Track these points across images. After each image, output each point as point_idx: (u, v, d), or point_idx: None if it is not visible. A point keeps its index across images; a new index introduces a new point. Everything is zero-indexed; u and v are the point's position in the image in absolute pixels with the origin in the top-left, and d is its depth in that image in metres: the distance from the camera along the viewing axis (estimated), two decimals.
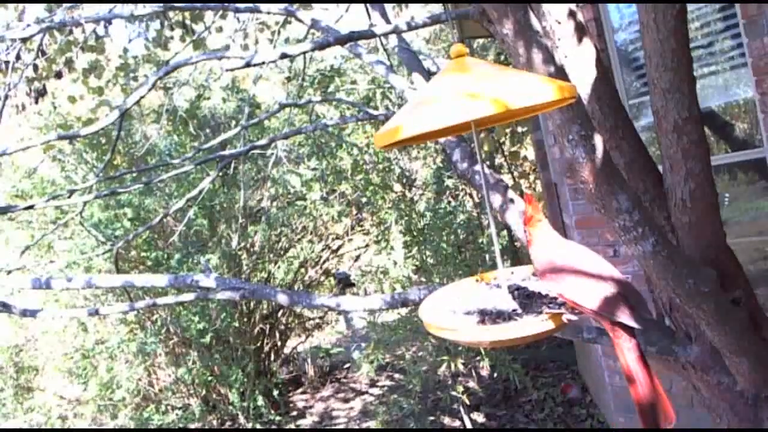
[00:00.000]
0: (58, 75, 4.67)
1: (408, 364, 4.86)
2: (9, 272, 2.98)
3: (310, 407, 5.96)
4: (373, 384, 6.16)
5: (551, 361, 5.61)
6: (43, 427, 5.31)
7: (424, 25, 1.68)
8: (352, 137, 5.79)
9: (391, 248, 5.27)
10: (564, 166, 3.67)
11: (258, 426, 5.40)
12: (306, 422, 5.59)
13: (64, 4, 3.49)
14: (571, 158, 1.30)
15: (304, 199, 5.74)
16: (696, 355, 1.63)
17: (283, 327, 6.42)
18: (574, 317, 0.94)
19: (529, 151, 7.05)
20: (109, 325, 5.42)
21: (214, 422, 5.49)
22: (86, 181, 4.42)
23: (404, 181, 6.10)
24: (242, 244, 5.61)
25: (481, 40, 7.41)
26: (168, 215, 3.22)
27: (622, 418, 3.76)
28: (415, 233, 5.27)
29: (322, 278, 6.93)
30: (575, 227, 3.68)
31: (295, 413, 5.84)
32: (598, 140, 1.28)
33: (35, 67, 4.24)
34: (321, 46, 1.59)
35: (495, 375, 5.19)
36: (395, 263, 5.17)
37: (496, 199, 1.94)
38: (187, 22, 4.56)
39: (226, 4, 2.55)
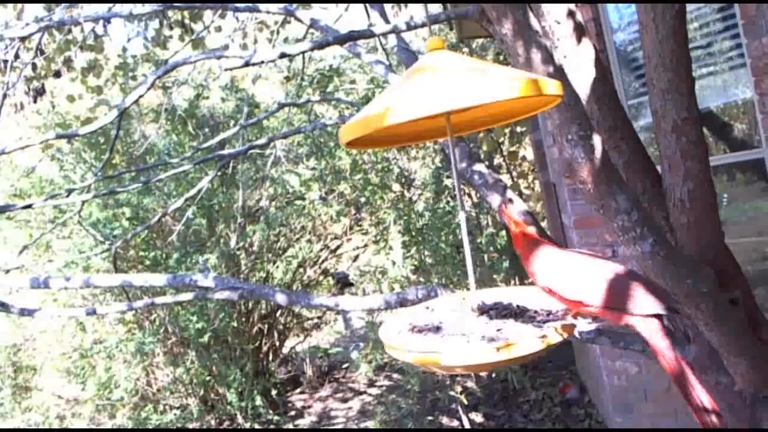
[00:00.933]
0: (57, 74, 4.67)
1: (406, 365, 4.86)
2: (7, 271, 2.98)
3: (309, 407, 5.95)
4: (371, 384, 6.16)
5: (549, 361, 5.61)
6: (41, 426, 5.31)
7: (423, 24, 1.68)
8: None
9: (390, 248, 5.27)
10: (563, 166, 3.67)
11: (256, 426, 5.39)
12: (304, 422, 5.59)
13: (63, 3, 3.49)
14: (569, 158, 1.30)
15: (302, 198, 5.74)
16: (694, 356, 1.63)
17: (281, 327, 6.42)
18: (585, 327, 0.92)
19: (527, 152, 7.06)
20: (108, 324, 5.41)
21: (213, 422, 5.49)
22: (85, 180, 4.42)
23: (403, 180, 6.11)
24: (241, 244, 5.60)
25: (480, 40, 7.41)
26: (166, 215, 3.22)
27: (620, 418, 3.77)
28: (413, 233, 5.27)
29: (321, 278, 6.93)
30: (574, 227, 3.68)
31: (293, 413, 5.83)
32: (596, 140, 1.28)
33: (34, 66, 4.24)
34: (320, 46, 1.59)
35: (493, 375, 5.19)
36: (394, 263, 5.17)
37: (495, 199, 1.94)
38: (186, 21, 4.56)
39: (225, 4, 2.55)
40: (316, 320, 7.27)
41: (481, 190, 1.98)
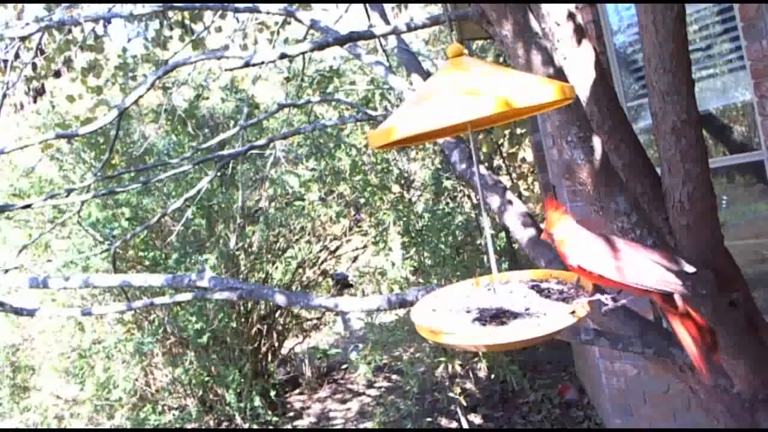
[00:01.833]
0: (57, 74, 4.66)
1: (405, 366, 4.86)
2: (6, 271, 2.97)
3: (307, 408, 5.95)
4: (370, 385, 6.16)
5: (548, 362, 5.61)
6: (40, 426, 5.30)
7: (424, 26, 1.68)
8: (351, 138, 5.79)
9: (389, 249, 5.27)
10: (562, 168, 3.67)
11: (255, 426, 5.39)
12: (303, 423, 5.59)
13: (63, 3, 3.49)
14: (569, 160, 1.30)
15: (302, 199, 5.74)
16: None
17: (280, 328, 6.41)
18: (610, 303, 0.97)
19: (527, 153, 7.07)
20: (107, 324, 5.41)
21: (211, 423, 5.48)
22: (84, 180, 4.42)
23: (402, 182, 6.11)
24: (240, 245, 5.60)
25: (480, 42, 7.42)
26: (166, 215, 3.22)
27: (618, 419, 3.77)
28: (413, 234, 5.26)
29: (320, 279, 6.93)
30: None
31: (292, 414, 5.83)
32: (596, 142, 1.29)
33: (34, 66, 4.24)
34: (320, 47, 1.59)
35: (492, 376, 5.19)
36: (393, 264, 5.17)
37: (495, 201, 1.94)
38: (187, 21, 4.56)
39: (226, 4, 2.55)
40: (315, 321, 7.27)
41: (481, 191, 1.98)
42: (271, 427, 5.44)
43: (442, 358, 4.67)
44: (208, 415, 5.48)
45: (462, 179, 2.13)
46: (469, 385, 5.30)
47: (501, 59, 6.56)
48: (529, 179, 7.39)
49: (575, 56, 1.47)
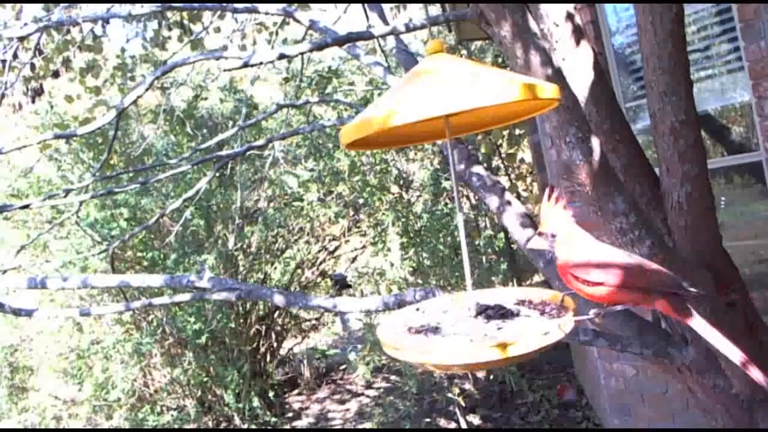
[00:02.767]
0: (55, 74, 4.66)
1: (404, 366, 4.86)
2: (4, 272, 2.97)
3: (306, 409, 5.95)
4: (369, 386, 6.16)
5: (547, 363, 5.61)
6: (38, 427, 5.29)
7: (422, 26, 1.68)
8: None
9: (388, 250, 5.26)
10: (561, 169, 3.67)
11: (253, 427, 5.38)
12: (302, 423, 5.58)
13: (62, 4, 3.48)
14: (568, 160, 1.30)
15: (301, 200, 5.73)
16: (692, 358, 1.63)
17: (279, 328, 6.41)
18: (596, 318, 0.96)
19: (526, 154, 7.07)
20: (105, 325, 5.40)
21: (210, 423, 5.48)
22: (83, 180, 4.41)
23: (401, 182, 6.10)
24: (239, 245, 5.60)
25: (478, 42, 7.42)
26: (164, 215, 3.22)
27: (617, 420, 3.77)
28: (411, 235, 5.26)
29: (319, 279, 6.92)
30: None
31: (290, 414, 5.83)
32: (595, 143, 1.29)
33: (32, 66, 4.24)
34: (319, 47, 1.59)
35: (491, 377, 5.19)
36: (392, 265, 5.17)
37: (494, 201, 1.94)
38: (185, 22, 4.56)
39: (224, 5, 2.55)
40: (313, 322, 7.27)
41: (480, 192, 1.99)
42: (269, 428, 5.43)
43: None
44: (207, 415, 5.48)
45: (460, 179, 2.12)
46: (467, 386, 5.30)
47: (500, 60, 6.56)
48: (528, 180, 7.39)
49: (574, 57, 1.47)
